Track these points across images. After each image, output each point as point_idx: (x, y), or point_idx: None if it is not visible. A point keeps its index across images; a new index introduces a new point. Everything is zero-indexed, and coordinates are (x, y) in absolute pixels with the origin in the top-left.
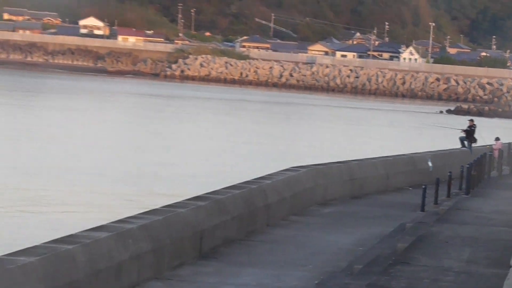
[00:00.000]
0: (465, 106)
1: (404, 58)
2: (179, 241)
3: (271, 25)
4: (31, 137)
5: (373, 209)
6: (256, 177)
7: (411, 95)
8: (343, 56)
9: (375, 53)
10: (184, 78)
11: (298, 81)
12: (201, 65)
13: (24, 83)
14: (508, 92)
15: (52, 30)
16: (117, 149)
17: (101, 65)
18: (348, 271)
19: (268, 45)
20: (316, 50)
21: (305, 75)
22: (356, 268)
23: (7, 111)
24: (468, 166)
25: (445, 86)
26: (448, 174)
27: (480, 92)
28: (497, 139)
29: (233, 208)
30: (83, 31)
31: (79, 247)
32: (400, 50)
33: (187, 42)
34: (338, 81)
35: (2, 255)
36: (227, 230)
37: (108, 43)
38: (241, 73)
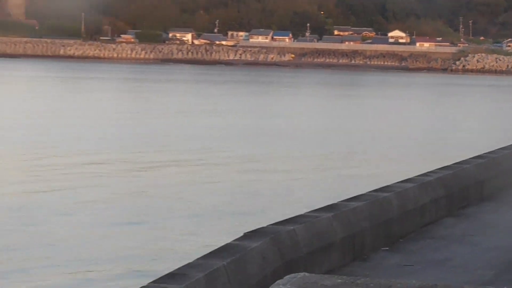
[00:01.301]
0: None
1: None
2: (465, 189)
3: None
4: (371, 117)
5: None
6: None
7: None
8: None
9: None
10: (465, 71)
11: None
12: (477, 61)
13: (349, 80)
14: None
15: (369, 41)
16: (424, 121)
17: (404, 64)
18: None
19: None
20: None
21: None
22: None
23: (339, 100)
24: None
25: None
26: None
27: None
28: None
29: (506, 163)
30: (390, 40)
31: (393, 194)
32: None
33: (466, 45)
34: None
35: (338, 201)
36: (501, 180)
37: (409, 48)
38: (507, 66)
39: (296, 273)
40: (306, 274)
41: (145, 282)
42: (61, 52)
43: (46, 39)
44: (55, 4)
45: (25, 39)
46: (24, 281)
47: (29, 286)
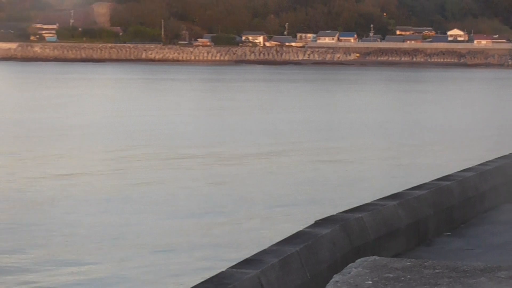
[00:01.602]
0: None
1: None
2: None
3: None
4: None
5: None
6: None
7: None
8: None
9: None
10: None
11: None
12: None
13: (411, 76)
14: None
15: (429, 39)
16: (483, 113)
17: (462, 61)
18: None
19: None
20: None
21: None
22: None
23: (403, 94)
24: None
25: None
26: None
27: None
28: None
29: None
30: (450, 38)
31: (455, 183)
32: None
33: None
34: None
35: (403, 190)
36: None
37: (467, 45)
38: None
39: (368, 257)
40: (377, 257)
41: (224, 267)
42: (143, 56)
43: (129, 44)
44: (137, 12)
45: (110, 44)
46: (110, 267)
47: (114, 273)
